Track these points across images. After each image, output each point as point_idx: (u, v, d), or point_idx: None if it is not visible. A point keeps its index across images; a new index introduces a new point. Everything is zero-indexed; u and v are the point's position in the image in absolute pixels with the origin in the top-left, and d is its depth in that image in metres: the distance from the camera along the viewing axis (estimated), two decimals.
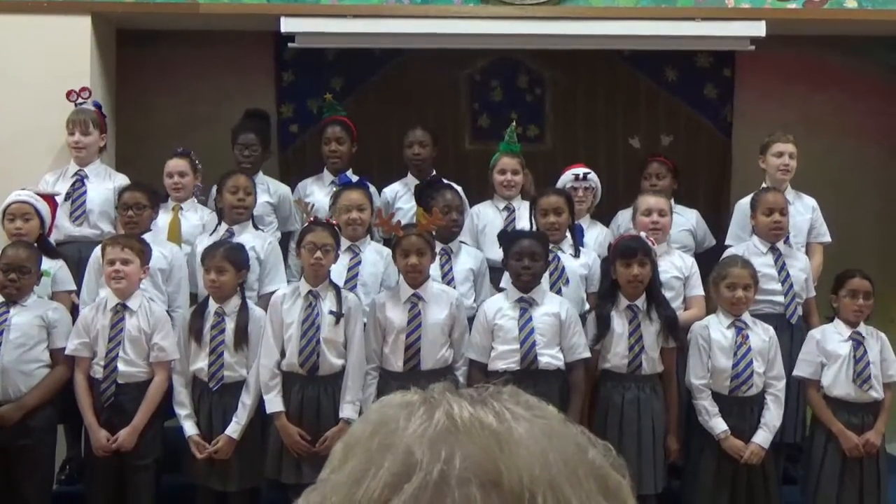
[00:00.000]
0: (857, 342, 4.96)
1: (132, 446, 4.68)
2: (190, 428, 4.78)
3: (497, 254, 5.12)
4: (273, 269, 5.29)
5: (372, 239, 5.41)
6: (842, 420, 4.90)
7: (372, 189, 5.66)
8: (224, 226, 5.32)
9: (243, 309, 4.84)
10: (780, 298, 5.26)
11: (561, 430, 0.81)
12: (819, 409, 4.97)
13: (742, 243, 5.47)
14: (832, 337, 5.00)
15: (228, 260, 4.80)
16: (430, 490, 0.72)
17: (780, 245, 5.35)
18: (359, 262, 5.17)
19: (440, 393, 0.82)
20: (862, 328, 5.02)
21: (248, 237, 5.26)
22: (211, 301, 4.85)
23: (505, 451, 0.75)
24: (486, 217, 5.62)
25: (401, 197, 5.77)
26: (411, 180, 5.80)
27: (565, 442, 0.79)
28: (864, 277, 5.02)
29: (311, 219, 4.99)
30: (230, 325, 4.80)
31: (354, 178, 5.64)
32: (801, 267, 5.38)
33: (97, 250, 4.98)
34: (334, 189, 5.61)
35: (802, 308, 5.37)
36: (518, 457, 0.75)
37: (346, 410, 4.72)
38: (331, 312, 4.78)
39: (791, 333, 5.20)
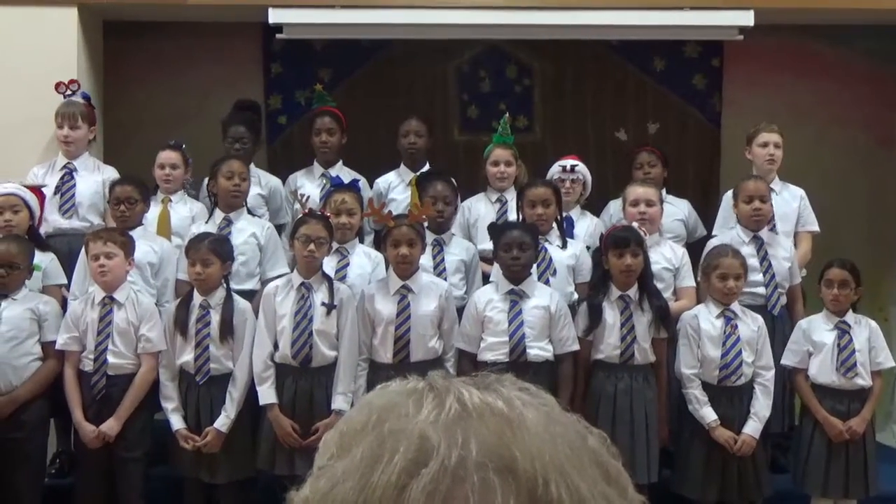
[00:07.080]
0: (843, 331, 4.97)
1: (115, 433, 4.67)
2: (177, 422, 4.77)
3: (489, 246, 5.12)
4: (274, 254, 5.28)
5: (360, 238, 5.37)
6: (827, 407, 4.92)
7: (363, 182, 5.66)
8: (220, 213, 5.30)
9: (228, 301, 4.81)
10: (762, 290, 5.26)
11: (562, 417, 0.81)
12: (806, 397, 5.00)
13: (726, 233, 5.48)
14: (819, 326, 5.02)
15: (214, 252, 4.77)
16: (449, 475, 0.72)
17: (764, 233, 5.35)
18: (347, 265, 5.15)
19: (444, 379, 0.82)
20: (850, 317, 5.03)
21: (245, 223, 5.26)
22: (195, 293, 4.84)
23: (518, 436, 0.75)
24: (478, 211, 5.62)
25: (395, 188, 5.76)
26: (405, 171, 5.79)
27: (568, 429, 0.79)
28: (842, 267, 5.01)
29: (306, 211, 4.98)
30: (215, 317, 4.78)
31: (346, 177, 5.60)
32: (785, 255, 5.37)
33: None
34: (325, 182, 5.61)
35: (787, 295, 5.37)
36: (531, 442, 0.75)
37: (338, 402, 4.72)
38: (323, 304, 4.77)
39: (773, 324, 5.19)
